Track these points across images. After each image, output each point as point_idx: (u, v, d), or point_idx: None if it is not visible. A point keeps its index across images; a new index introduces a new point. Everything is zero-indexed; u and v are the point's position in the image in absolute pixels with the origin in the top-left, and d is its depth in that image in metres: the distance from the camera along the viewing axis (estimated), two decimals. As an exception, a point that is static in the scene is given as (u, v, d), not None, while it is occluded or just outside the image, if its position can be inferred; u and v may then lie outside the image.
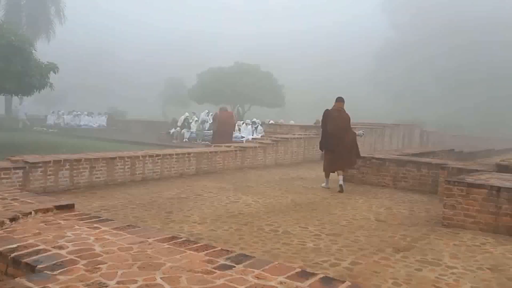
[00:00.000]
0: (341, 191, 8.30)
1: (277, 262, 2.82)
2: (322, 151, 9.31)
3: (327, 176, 8.87)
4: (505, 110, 34.49)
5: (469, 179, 6.06)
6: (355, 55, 52.42)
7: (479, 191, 5.64)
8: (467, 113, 35.31)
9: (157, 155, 9.22)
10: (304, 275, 2.51)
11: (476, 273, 4.07)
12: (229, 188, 8.41)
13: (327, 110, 8.93)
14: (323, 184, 8.86)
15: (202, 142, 20.56)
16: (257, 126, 21.17)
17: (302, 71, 55.66)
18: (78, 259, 2.64)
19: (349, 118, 8.87)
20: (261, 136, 17.58)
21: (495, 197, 5.52)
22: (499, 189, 5.51)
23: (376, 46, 46.84)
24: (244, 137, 19.73)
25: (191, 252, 2.97)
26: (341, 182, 8.41)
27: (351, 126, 9.03)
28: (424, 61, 41.16)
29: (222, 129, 19.22)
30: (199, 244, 3.20)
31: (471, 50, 37.91)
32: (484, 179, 6.07)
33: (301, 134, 15.02)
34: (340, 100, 8.93)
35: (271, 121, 22.73)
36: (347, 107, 9.00)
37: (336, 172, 8.62)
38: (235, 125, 20.89)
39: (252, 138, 17.01)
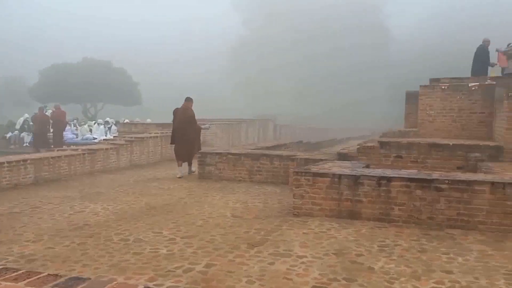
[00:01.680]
0: (190, 173, 10.14)
1: (116, 282, 2.44)
2: (173, 144, 10.50)
3: (179, 165, 10.09)
4: (347, 103, 38.73)
5: (314, 168, 6.42)
6: (212, 55, 53.25)
7: (323, 180, 6.01)
8: (316, 107, 38.71)
9: (-18, 165, 7.81)
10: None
11: (323, 259, 4.26)
12: (75, 196, 7.56)
13: (176, 108, 10.33)
14: (178, 175, 9.90)
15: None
16: (111, 126, 19.84)
17: (161, 69, 54.42)
18: None
19: (193, 115, 10.18)
20: (114, 136, 16.47)
21: (337, 184, 5.93)
22: (340, 176, 5.94)
23: (231, 45, 48.27)
24: (96, 138, 18.28)
25: (8, 283, 2.41)
26: (189, 170, 10.18)
27: (198, 123, 10.46)
28: (278, 58, 43.80)
29: (40, 131, 17.49)
30: (19, 272, 2.61)
31: (320, 49, 41.64)
32: (327, 168, 6.50)
33: (157, 133, 14.46)
34: (188, 100, 10.32)
35: (126, 120, 21.55)
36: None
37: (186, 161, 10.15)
38: (66, 124, 19.18)
39: (104, 139, 15.82)
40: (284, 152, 10.23)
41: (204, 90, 40.74)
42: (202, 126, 11.06)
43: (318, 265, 4.10)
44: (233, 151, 10.06)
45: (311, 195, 6.04)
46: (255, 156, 9.50)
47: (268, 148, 11.54)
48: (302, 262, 4.17)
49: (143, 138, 13.29)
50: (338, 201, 5.91)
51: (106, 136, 18.51)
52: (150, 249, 4.60)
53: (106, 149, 11.47)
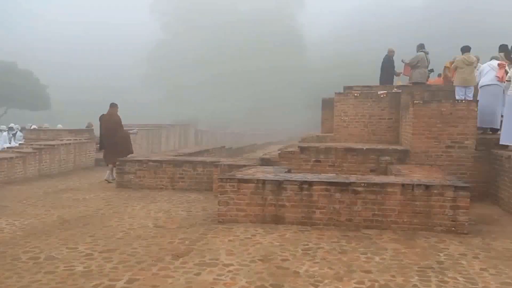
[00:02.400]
0: (109, 181, 9.93)
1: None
2: (101, 150, 10.75)
3: (109, 169, 10.17)
4: (268, 108, 39.50)
5: (239, 174, 6.43)
6: (130, 58, 51.41)
7: (248, 186, 6.03)
8: (238, 112, 39.01)
9: None
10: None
11: (249, 266, 4.25)
12: (-26, 211, 6.79)
13: (101, 114, 10.48)
14: (105, 177, 10.13)
15: None
16: (15, 132, 18.19)
17: (76, 71, 51.31)
18: None
19: (119, 121, 10.43)
20: (20, 144, 15.13)
21: (261, 190, 5.99)
22: (264, 182, 6.00)
23: (151, 49, 47.02)
24: (-2, 146, 16.61)
25: None
26: (112, 175, 9.99)
27: (124, 127, 10.75)
28: (197, 63, 43.47)
29: None
30: None
31: (242, 52, 42.05)
32: (251, 174, 6.54)
33: (70, 140, 13.56)
34: (113, 105, 10.56)
35: (33, 126, 19.91)
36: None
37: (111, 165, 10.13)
38: None
39: (8, 147, 14.46)
40: (207, 158, 10.14)
41: (122, 94, 39.21)
42: (130, 131, 11.32)
43: (245, 272, 4.09)
44: (153, 158, 9.75)
45: (236, 201, 6.03)
46: (177, 163, 9.29)
47: (190, 154, 11.36)
48: (229, 271, 4.13)
49: (54, 145, 12.37)
50: (263, 206, 5.96)
51: (10, 143, 16.93)
52: (64, 267, 4.25)
53: (11, 158, 10.49)
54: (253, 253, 4.66)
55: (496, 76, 8.67)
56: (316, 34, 44.27)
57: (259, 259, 4.46)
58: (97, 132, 11.94)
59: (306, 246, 4.92)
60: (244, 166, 7.95)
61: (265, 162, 8.74)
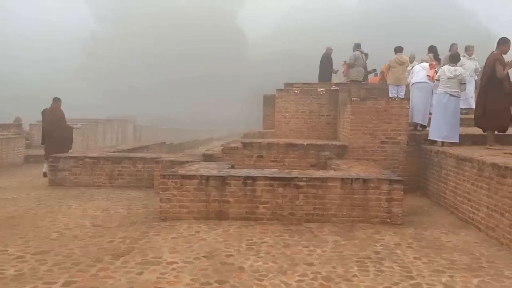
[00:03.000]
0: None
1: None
2: (43, 144, 10.60)
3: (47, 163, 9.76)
4: (209, 104, 39.19)
5: (182, 171, 6.32)
6: (59, 46, 48.65)
7: (191, 182, 5.95)
8: (179, 108, 38.29)
9: None
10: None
11: (194, 264, 4.20)
12: None
13: (44, 109, 10.50)
14: (44, 170, 9.95)
15: None
16: None
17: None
18: None
19: (63, 115, 10.50)
20: None
21: (205, 186, 5.93)
22: (208, 178, 5.95)
23: (82, 39, 44.83)
24: None
25: None
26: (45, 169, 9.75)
27: (68, 122, 10.95)
28: (135, 57, 42.10)
29: None
30: None
31: (182, 50, 41.26)
32: (194, 170, 6.46)
33: (-5, 135, 12.59)
34: (56, 100, 10.60)
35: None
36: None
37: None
38: None
39: None
40: (148, 155, 9.86)
41: (51, 87, 37.03)
42: (74, 126, 11.84)
43: (189, 270, 4.03)
44: (90, 154, 9.32)
45: (179, 198, 5.93)
46: (116, 159, 8.95)
47: (129, 150, 10.98)
48: (173, 269, 4.05)
49: (-23, 141, 11.43)
50: (206, 202, 5.91)
51: None
52: (-7, 271, 3.95)
53: None
54: (197, 250, 4.61)
55: (427, 76, 9.22)
56: (257, 31, 44.59)
57: (203, 256, 4.42)
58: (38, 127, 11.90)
59: (250, 241, 4.95)
60: (187, 162, 7.84)
61: (208, 158, 8.67)
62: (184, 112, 37.82)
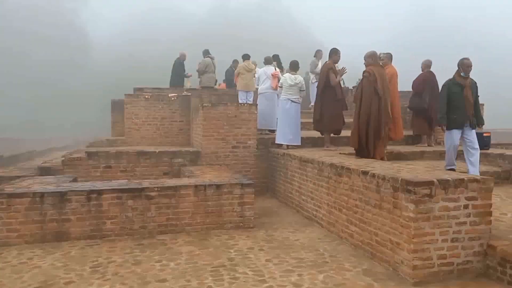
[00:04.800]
0: None
1: None
2: None
3: None
4: (50, 111, 35.05)
5: (9, 188, 5.42)
6: None
7: (21, 201, 5.14)
8: (12, 116, 33.43)
9: None
10: None
11: (24, 298, 3.58)
12: None
13: None
14: None
15: None
16: None
17: None
18: None
19: None
20: None
21: (39, 204, 5.18)
22: (42, 194, 5.22)
23: None
24: None
25: None
26: None
27: None
28: None
29: None
30: None
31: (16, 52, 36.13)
32: (26, 186, 5.61)
33: None
34: None
35: None
36: None
37: None
38: None
39: None
40: (-34, 171, 8.31)
41: None
42: None
43: (17, 307, 3.41)
44: None
45: (6, 220, 5.06)
46: None
47: None
48: (-4, 309, 3.38)
49: None
50: (42, 223, 5.17)
51: None
52: None
53: None
54: (29, 281, 3.95)
55: (271, 86, 9.83)
56: (104, 31, 41.83)
57: (36, 287, 3.80)
58: None
59: (95, 263, 4.47)
60: (18, 177, 6.80)
61: (45, 171, 7.69)
62: (19, 120, 33.37)
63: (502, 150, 8.27)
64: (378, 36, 38.09)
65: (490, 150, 8.07)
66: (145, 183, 5.94)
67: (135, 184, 5.92)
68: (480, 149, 8.01)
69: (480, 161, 6.66)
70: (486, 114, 9.88)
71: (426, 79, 8.98)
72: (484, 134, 8.21)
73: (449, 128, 6.61)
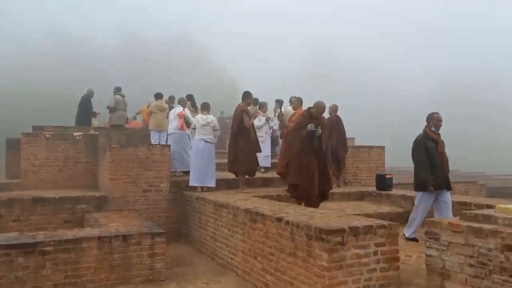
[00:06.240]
0: None
1: None
2: None
3: None
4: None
5: None
6: None
7: None
8: None
9: None
10: None
11: None
12: None
13: None
14: None
15: None
16: None
17: None
18: None
19: None
20: None
21: None
22: None
23: None
24: None
25: None
26: None
27: None
28: None
29: None
30: None
31: None
32: None
33: None
34: None
35: None
36: None
37: None
38: None
39: None
40: None
41: None
42: None
43: None
44: None
45: None
46: None
47: None
48: None
49: None
50: None
51: None
52: None
53: None
54: None
55: (177, 126, 9.60)
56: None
57: None
58: None
59: None
60: None
61: None
62: None
63: (403, 191, 8.79)
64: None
65: (393, 191, 8.56)
66: (40, 236, 5.29)
67: (27, 237, 5.25)
68: (383, 190, 8.48)
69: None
70: (387, 155, 10.60)
71: (333, 121, 9.41)
72: (387, 176, 8.72)
73: (426, 189, 5.99)
